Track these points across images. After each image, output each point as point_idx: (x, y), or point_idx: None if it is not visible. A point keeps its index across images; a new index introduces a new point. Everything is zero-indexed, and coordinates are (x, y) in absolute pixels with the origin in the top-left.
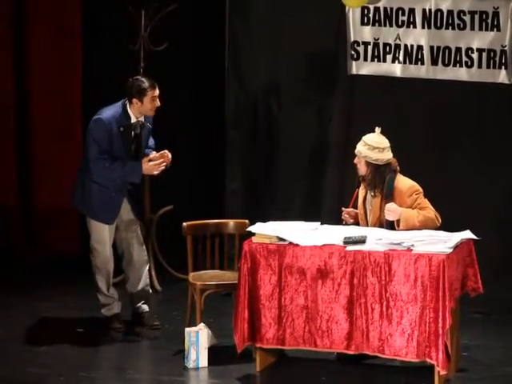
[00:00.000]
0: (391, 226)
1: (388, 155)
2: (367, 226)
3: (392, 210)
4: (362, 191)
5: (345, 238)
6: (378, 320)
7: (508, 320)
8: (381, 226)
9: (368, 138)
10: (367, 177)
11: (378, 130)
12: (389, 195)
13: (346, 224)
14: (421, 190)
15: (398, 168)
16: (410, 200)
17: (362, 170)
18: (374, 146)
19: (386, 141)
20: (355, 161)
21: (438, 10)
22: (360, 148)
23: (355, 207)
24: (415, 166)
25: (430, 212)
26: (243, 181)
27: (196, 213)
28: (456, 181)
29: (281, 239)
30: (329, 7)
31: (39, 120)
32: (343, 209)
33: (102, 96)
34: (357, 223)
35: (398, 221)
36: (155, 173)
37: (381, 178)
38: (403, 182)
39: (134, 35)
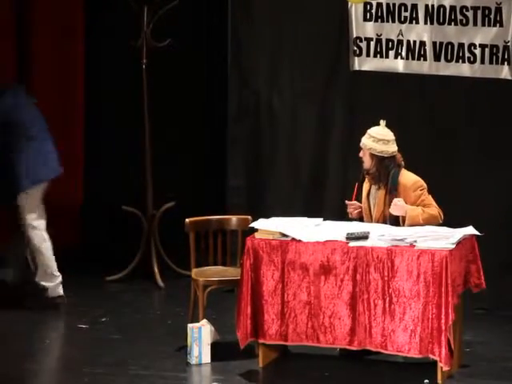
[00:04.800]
0: (395, 220)
1: (393, 148)
2: (371, 220)
3: (398, 206)
4: (366, 185)
5: (347, 233)
6: (380, 316)
7: (510, 316)
8: (385, 220)
9: (373, 130)
10: (372, 170)
11: (382, 122)
12: (393, 190)
13: (352, 217)
14: (425, 185)
15: (403, 163)
16: (414, 195)
17: (367, 162)
18: (378, 139)
19: (391, 133)
20: (360, 154)
21: (441, 6)
22: (365, 141)
23: (357, 201)
24: (417, 161)
25: (434, 209)
26: (246, 177)
27: (199, 209)
28: (458, 177)
29: (283, 235)
30: (331, 3)
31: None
32: (347, 202)
33: (105, 93)
34: (361, 216)
35: (403, 218)
36: None
37: (385, 172)
38: (408, 177)
39: (136, 32)
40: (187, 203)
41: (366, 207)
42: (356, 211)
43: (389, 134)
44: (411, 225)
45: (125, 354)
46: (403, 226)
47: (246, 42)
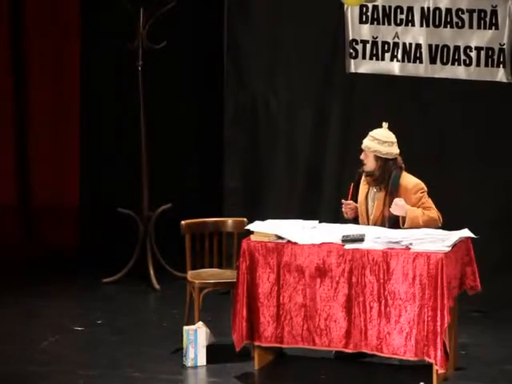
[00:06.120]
0: (394, 221)
1: (396, 149)
2: (367, 222)
3: (399, 206)
4: (363, 188)
5: (343, 236)
6: (376, 318)
7: (506, 318)
8: (383, 221)
9: (376, 132)
10: (376, 172)
11: (385, 124)
12: (394, 191)
13: (347, 217)
14: (425, 188)
15: (403, 165)
16: (414, 198)
17: (371, 165)
18: (383, 141)
19: (394, 136)
20: (362, 157)
21: (437, 9)
22: (369, 143)
23: (352, 201)
24: (413, 164)
25: (434, 212)
26: (242, 179)
27: (195, 211)
28: (454, 179)
29: (279, 237)
30: (327, 5)
31: (38, 118)
32: (343, 201)
33: (100, 94)
34: (356, 216)
35: (403, 218)
36: None
37: (388, 174)
38: (409, 180)
39: (132, 33)
40: (183, 205)
41: (363, 209)
42: (351, 211)
43: (392, 136)
44: (411, 226)
45: (120, 356)
46: (402, 226)
47: (243, 44)
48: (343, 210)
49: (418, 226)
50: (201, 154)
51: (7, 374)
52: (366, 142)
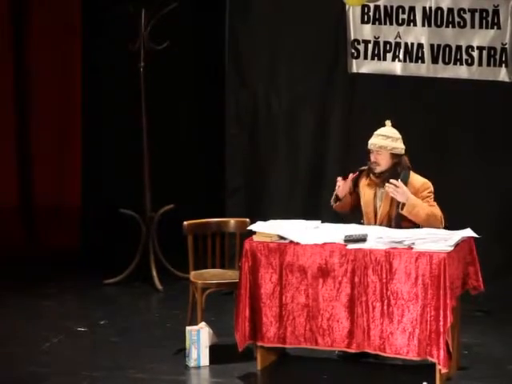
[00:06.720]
0: (399, 219)
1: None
2: (374, 223)
3: (400, 191)
4: (369, 190)
5: (345, 236)
6: (378, 318)
7: (509, 318)
8: (389, 220)
9: (385, 131)
10: (389, 170)
11: (388, 123)
12: None
13: (337, 192)
14: (432, 189)
15: (410, 166)
16: (421, 196)
17: (385, 164)
18: (396, 137)
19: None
20: (374, 158)
21: (439, 8)
22: (383, 142)
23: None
24: (415, 164)
25: (437, 210)
26: (244, 179)
27: (197, 212)
28: (456, 179)
29: (281, 238)
30: (329, 5)
31: (39, 119)
32: (351, 175)
33: (102, 95)
34: (341, 197)
35: (403, 204)
36: None
37: (401, 170)
38: (418, 179)
39: (134, 34)
40: (186, 206)
41: (370, 210)
42: (344, 190)
43: (397, 132)
44: (410, 213)
45: (123, 357)
46: (401, 210)
47: (244, 44)
48: (339, 182)
49: (417, 216)
50: (203, 154)
51: (9, 376)
52: (380, 142)
